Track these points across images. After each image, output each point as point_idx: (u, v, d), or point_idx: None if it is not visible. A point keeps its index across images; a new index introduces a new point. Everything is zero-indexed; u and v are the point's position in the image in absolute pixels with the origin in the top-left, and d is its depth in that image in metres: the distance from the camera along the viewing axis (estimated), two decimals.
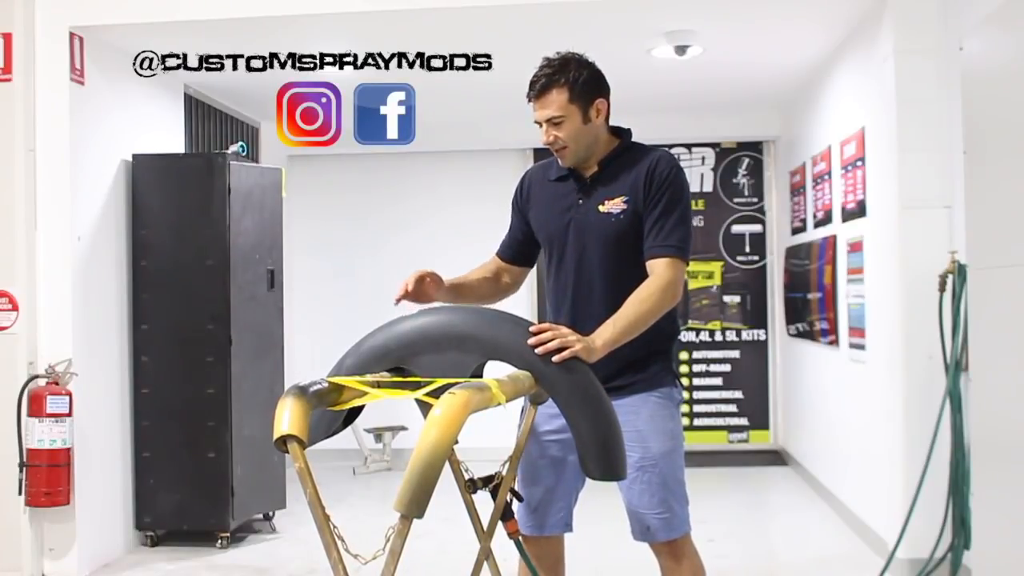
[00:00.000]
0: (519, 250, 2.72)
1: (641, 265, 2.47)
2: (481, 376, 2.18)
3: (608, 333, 2.29)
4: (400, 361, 2.17)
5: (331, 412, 2.09)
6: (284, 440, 1.77)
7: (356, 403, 2.04)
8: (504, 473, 2.36)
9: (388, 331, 2.20)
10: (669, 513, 2.48)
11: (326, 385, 1.97)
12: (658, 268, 2.42)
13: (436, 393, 1.94)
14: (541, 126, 2.50)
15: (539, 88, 2.47)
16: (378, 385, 2.08)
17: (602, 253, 2.50)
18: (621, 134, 2.60)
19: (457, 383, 1.93)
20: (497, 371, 2.12)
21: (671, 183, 2.48)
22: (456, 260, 8.57)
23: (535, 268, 2.85)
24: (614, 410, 2.20)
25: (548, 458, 2.56)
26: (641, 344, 2.42)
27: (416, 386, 2.07)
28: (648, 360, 2.51)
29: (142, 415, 4.87)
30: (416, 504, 1.65)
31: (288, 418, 1.77)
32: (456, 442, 2.28)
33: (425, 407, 1.98)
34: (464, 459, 2.38)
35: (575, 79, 2.46)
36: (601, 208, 2.50)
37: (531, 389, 2.19)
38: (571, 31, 4.57)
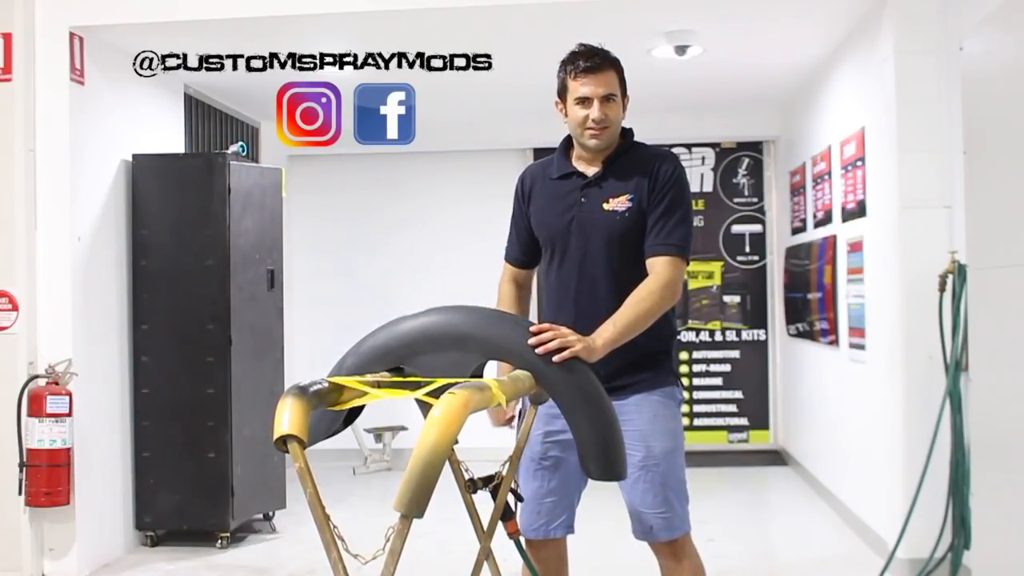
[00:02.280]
0: (532, 252, 2.70)
1: (642, 270, 2.47)
2: (481, 376, 2.18)
3: (608, 332, 2.29)
4: (401, 361, 2.17)
5: (331, 412, 2.09)
6: (284, 440, 1.77)
7: (356, 403, 2.04)
8: (504, 473, 2.36)
9: (389, 331, 2.20)
10: (670, 512, 2.48)
11: (326, 385, 1.97)
12: (658, 267, 2.43)
13: (436, 393, 1.94)
14: (588, 102, 2.46)
15: (597, 62, 2.46)
16: (378, 385, 2.07)
17: (606, 251, 2.50)
18: (624, 133, 2.60)
19: (457, 383, 1.93)
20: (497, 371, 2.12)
21: (674, 183, 2.49)
22: (456, 260, 8.53)
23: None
24: (614, 410, 2.20)
25: (549, 459, 2.56)
26: (642, 344, 2.42)
27: (416, 386, 2.07)
28: (650, 360, 2.51)
29: (142, 415, 4.87)
30: (416, 504, 1.65)
31: (288, 418, 1.77)
32: (456, 442, 2.29)
33: (425, 407, 1.98)
34: (464, 459, 2.38)
35: (621, 69, 2.51)
36: (606, 206, 2.50)
37: (531, 389, 2.19)
38: (571, 31, 4.55)
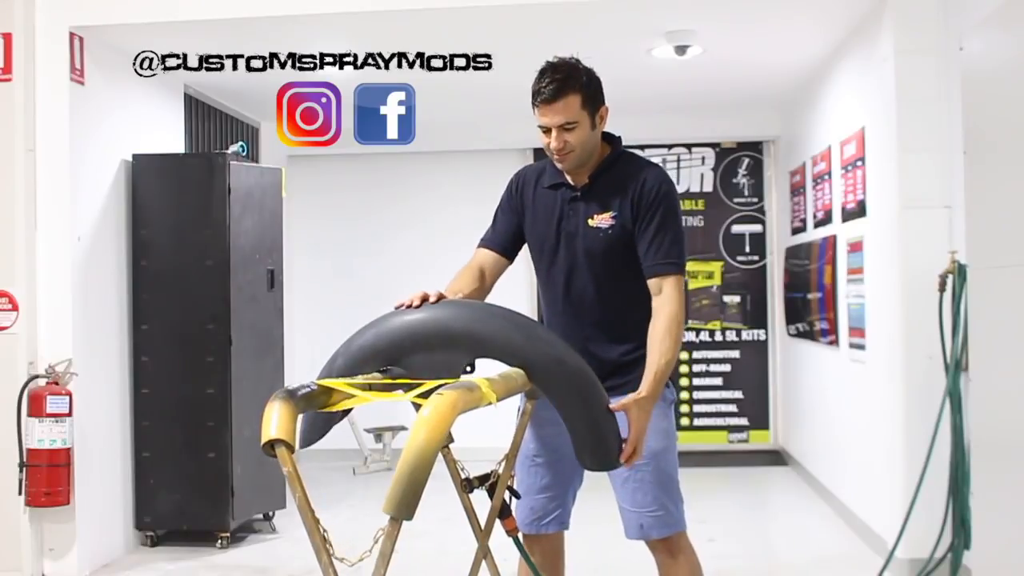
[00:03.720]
0: (511, 243, 2.68)
1: (629, 277, 2.50)
2: (473, 371, 2.18)
3: (651, 376, 2.34)
4: (391, 361, 2.16)
5: (324, 414, 2.08)
6: (272, 444, 1.77)
7: (347, 404, 2.03)
8: (500, 472, 2.37)
9: (377, 329, 2.19)
10: (663, 511, 2.49)
11: (315, 388, 1.96)
12: (666, 288, 2.44)
13: (427, 394, 1.93)
14: (549, 131, 2.46)
15: (551, 92, 2.42)
16: (369, 387, 2.07)
17: (591, 266, 2.52)
18: (612, 141, 2.60)
19: (447, 383, 1.92)
20: (494, 370, 2.11)
21: (663, 199, 2.49)
22: (456, 260, 8.52)
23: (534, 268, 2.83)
24: (607, 400, 2.22)
25: (544, 456, 2.57)
26: (632, 347, 2.47)
27: (407, 387, 2.07)
28: (640, 361, 2.51)
29: (142, 415, 4.87)
30: (405, 506, 1.64)
31: (276, 422, 1.76)
32: (451, 441, 2.29)
33: (418, 408, 1.98)
34: (460, 458, 2.37)
35: (586, 85, 2.45)
36: (590, 222, 2.52)
37: (524, 387, 2.19)
38: (571, 31, 4.57)
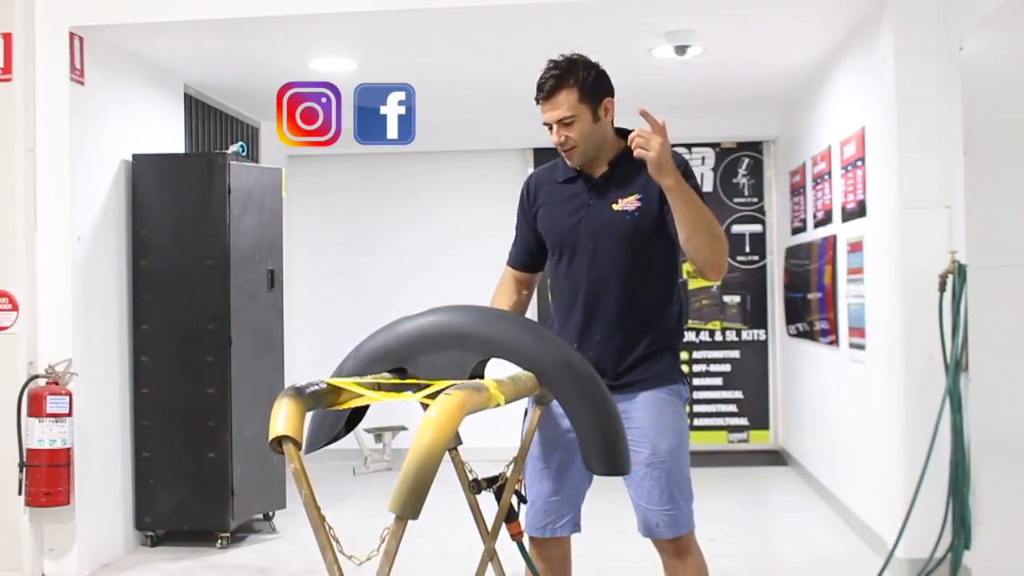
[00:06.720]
0: (536, 256, 2.72)
1: (652, 263, 2.52)
2: (483, 375, 2.19)
3: (682, 183, 2.34)
4: (400, 361, 2.17)
5: (333, 416, 2.08)
6: (279, 441, 1.77)
7: (354, 403, 2.03)
8: (508, 474, 2.37)
9: (388, 332, 2.21)
10: (676, 510, 2.49)
11: (323, 386, 1.96)
12: None
13: (436, 395, 1.94)
14: (551, 128, 2.50)
15: (548, 89, 2.47)
16: (378, 387, 2.07)
17: (616, 251, 2.52)
18: (627, 136, 2.61)
19: (455, 384, 1.93)
20: (500, 372, 2.11)
21: (689, 178, 2.50)
22: (456, 260, 8.53)
23: None
24: (615, 405, 2.22)
25: (555, 459, 2.57)
26: (652, 340, 2.48)
27: (415, 387, 2.07)
28: (658, 356, 2.54)
29: (142, 415, 4.87)
30: (411, 505, 1.64)
31: (283, 419, 1.76)
32: (460, 442, 2.29)
33: (427, 408, 1.98)
34: (468, 459, 2.38)
35: (584, 79, 2.48)
36: (615, 207, 2.52)
37: (534, 390, 2.19)
38: (571, 31, 4.57)
